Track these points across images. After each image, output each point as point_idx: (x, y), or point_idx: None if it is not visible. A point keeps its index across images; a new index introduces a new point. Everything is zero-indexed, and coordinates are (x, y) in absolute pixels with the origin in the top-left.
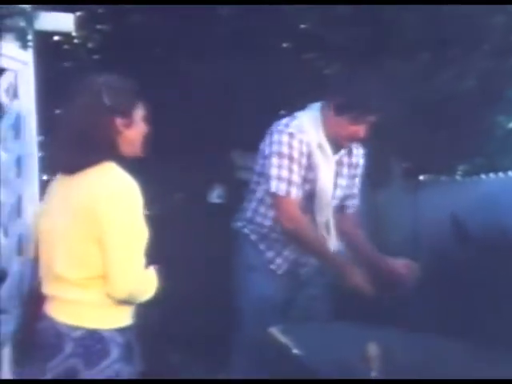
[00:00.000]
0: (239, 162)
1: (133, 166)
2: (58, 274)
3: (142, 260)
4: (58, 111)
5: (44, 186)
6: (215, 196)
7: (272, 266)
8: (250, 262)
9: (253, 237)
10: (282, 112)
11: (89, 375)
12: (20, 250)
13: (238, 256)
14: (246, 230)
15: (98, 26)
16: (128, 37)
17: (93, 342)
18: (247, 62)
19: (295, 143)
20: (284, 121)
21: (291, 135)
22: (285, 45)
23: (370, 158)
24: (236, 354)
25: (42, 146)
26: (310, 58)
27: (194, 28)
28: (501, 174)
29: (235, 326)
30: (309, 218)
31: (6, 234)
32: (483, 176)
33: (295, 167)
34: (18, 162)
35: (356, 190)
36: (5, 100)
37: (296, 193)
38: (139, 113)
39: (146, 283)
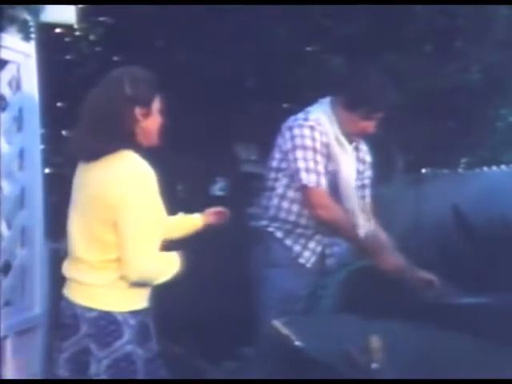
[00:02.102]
0: (243, 155)
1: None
2: (78, 256)
3: (157, 242)
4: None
5: (47, 179)
6: (217, 189)
7: (301, 260)
8: (275, 260)
9: (278, 234)
10: (285, 105)
11: (101, 355)
12: (23, 242)
13: (261, 255)
14: (270, 229)
15: (100, 18)
16: (129, 29)
17: (106, 323)
18: (250, 55)
19: (317, 135)
20: (301, 115)
21: (312, 128)
22: (288, 38)
23: (372, 151)
24: (258, 348)
25: (46, 138)
26: (313, 50)
27: (195, 20)
28: (503, 167)
29: (253, 323)
30: (338, 206)
31: (9, 226)
32: (486, 169)
33: (319, 158)
34: (21, 155)
35: (366, 182)
36: (7, 92)
37: (324, 183)
38: (157, 104)
39: (161, 265)
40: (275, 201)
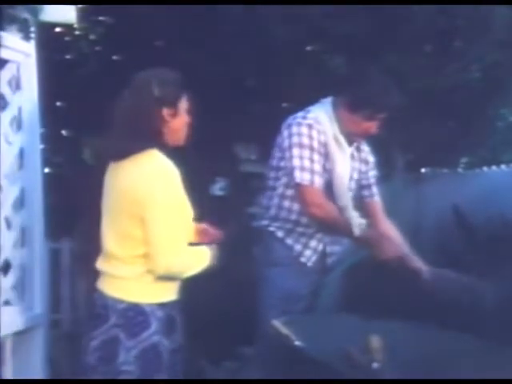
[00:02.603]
0: (243, 155)
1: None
2: (109, 251)
3: (185, 237)
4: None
5: (47, 179)
6: (217, 189)
7: (302, 259)
8: (276, 259)
9: (279, 233)
10: (285, 105)
11: (129, 344)
12: (23, 242)
13: (262, 254)
14: (271, 228)
15: (100, 18)
16: (129, 29)
17: (134, 314)
18: (250, 55)
19: (314, 133)
20: (300, 114)
21: (310, 126)
22: (288, 38)
23: (372, 150)
24: (258, 348)
25: (46, 137)
26: (313, 50)
27: (195, 20)
28: (503, 167)
29: (253, 322)
30: (332, 204)
31: (9, 226)
32: (485, 169)
33: (316, 157)
34: (21, 155)
35: (372, 181)
36: (7, 92)
37: (319, 181)
38: (183, 104)
39: (189, 259)
40: (276, 200)
